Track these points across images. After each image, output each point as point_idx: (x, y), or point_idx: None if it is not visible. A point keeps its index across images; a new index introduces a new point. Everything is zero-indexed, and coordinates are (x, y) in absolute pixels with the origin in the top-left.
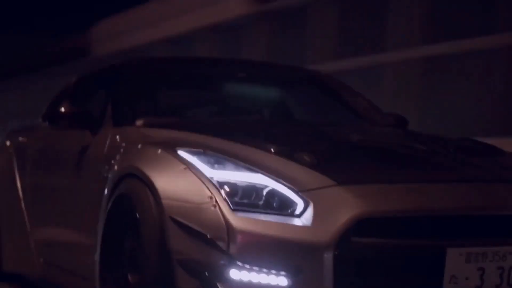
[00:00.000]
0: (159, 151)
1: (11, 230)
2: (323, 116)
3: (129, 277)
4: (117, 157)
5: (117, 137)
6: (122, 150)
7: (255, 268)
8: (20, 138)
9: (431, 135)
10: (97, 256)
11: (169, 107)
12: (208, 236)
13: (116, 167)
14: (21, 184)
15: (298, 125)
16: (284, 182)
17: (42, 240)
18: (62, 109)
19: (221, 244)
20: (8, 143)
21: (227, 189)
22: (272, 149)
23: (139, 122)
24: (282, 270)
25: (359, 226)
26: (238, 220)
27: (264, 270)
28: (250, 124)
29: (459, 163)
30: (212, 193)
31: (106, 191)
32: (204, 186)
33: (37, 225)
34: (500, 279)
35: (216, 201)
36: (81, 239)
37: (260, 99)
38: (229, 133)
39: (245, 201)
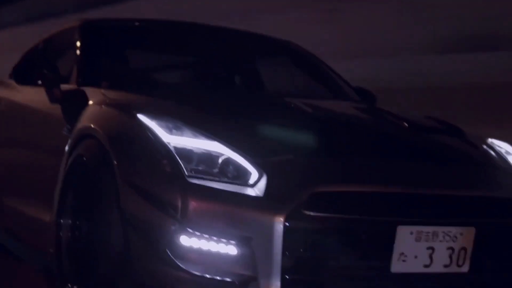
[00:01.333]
0: (119, 113)
1: None
2: (294, 87)
3: (84, 235)
4: (79, 117)
5: (81, 97)
6: (84, 110)
7: (205, 235)
8: None
9: (394, 112)
10: (54, 214)
11: (137, 71)
12: (160, 200)
13: (76, 127)
14: None
15: (262, 95)
16: (240, 151)
17: (5, 193)
18: (30, 68)
19: (173, 209)
20: None
21: (183, 155)
22: (230, 118)
23: (103, 84)
24: (232, 239)
25: (312, 199)
26: (191, 187)
27: (215, 238)
28: (214, 92)
29: (416, 141)
30: (168, 158)
31: (66, 150)
32: (160, 150)
33: (1, 179)
34: (450, 259)
35: (171, 166)
36: (41, 195)
37: (231, 66)
38: (191, 99)
39: (200, 168)
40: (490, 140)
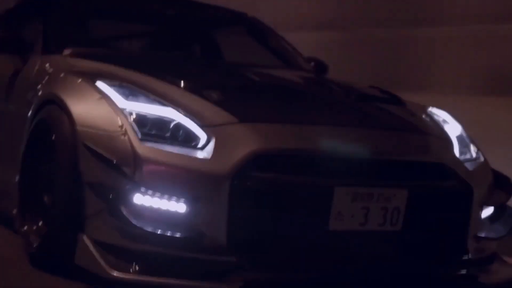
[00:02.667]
0: (79, 80)
1: None
2: (248, 57)
3: (45, 198)
4: (42, 84)
5: (45, 64)
6: (47, 77)
7: (157, 194)
8: None
9: (341, 81)
10: (17, 177)
11: (99, 39)
12: (116, 162)
13: (39, 93)
14: None
15: (216, 64)
16: (190, 117)
17: None
18: None
19: (128, 170)
20: None
21: (137, 120)
22: (183, 85)
23: (66, 52)
24: (182, 197)
25: (256, 161)
26: (144, 149)
27: (166, 196)
28: (171, 60)
29: (356, 108)
30: (123, 123)
31: (29, 115)
32: (116, 116)
33: None
34: (384, 218)
35: (126, 130)
36: (7, 159)
37: (189, 36)
38: (148, 68)
39: (153, 132)
40: (429, 109)
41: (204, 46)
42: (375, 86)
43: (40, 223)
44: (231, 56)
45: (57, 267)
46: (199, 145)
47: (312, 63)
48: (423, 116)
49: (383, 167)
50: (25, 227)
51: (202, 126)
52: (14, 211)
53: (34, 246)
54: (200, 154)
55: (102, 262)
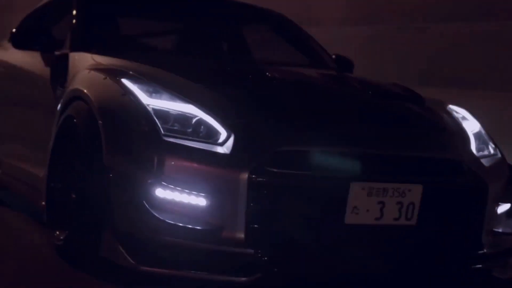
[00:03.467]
0: (105, 77)
1: None
2: (274, 54)
3: (72, 192)
4: (70, 80)
5: (73, 61)
6: (74, 74)
7: (178, 188)
8: None
9: (364, 79)
10: (45, 169)
11: (126, 37)
12: (139, 156)
13: (67, 90)
14: None
15: (240, 62)
16: (212, 113)
17: (2, 150)
18: (26, 32)
19: (150, 164)
20: None
21: (160, 116)
22: (205, 82)
23: (94, 49)
24: (202, 191)
25: (274, 157)
26: (166, 144)
27: (186, 190)
28: (196, 58)
29: (376, 106)
30: (147, 119)
31: (58, 111)
32: (140, 112)
33: None
34: (399, 213)
35: (149, 126)
36: (35, 153)
37: (216, 33)
38: (172, 65)
39: (175, 127)
40: (449, 106)
41: (231, 43)
42: (397, 84)
43: (67, 216)
44: (257, 53)
45: (82, 259)
46: (220, 141)
47: (337, 60)
48: (442, 113)
49: (398, 163)
50: (53, 220)
51: (223, 122)
52: (43, 203)
53: (61, 238)
54: (220, 150)
55: (126, 254)
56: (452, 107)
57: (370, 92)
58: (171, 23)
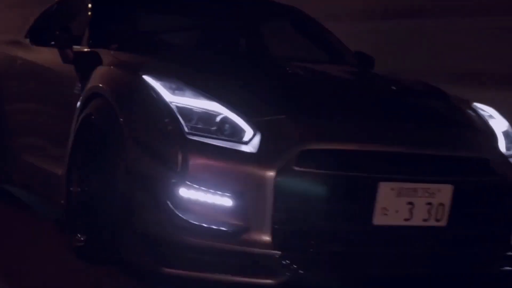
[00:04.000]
0: (126, 74)
1: None
2: (294, 51)
3: (92, 188)
4: (89, 77)
5: (91, 57)
6: (94, 71)
7: (203, 188)
8: (6, 52)
9: (387, 75)
10: (65, 168)
11: (145, 32)
12: (162, 155)
13: (87, 87)
14: (2, 95)
15: (262, 58)
16: (237, 111)
17: (19, 149)
18: (44, 28)
19: (174, 163)
20: None
21: (184, 114)
22: (230, 80)
23: (113, 46)
24: (227, 192)
25: (301, 156)
26: (191, 143)
27: (211, 190)
28: (217, 54)
29: (402, 103)
30: (170, 117)
31: (77, 108)
32: (163, 109)
33: (15, 135)
34: (428, 214)
35: (173, 124)
36: (53, 150)
37: (236, 29)
38: (194, 61)
39: (199, 126)
40: (474, 104)
41: (250, 39)
42: (421, 81)
43: (87, 216)
44: (277, 50)
45: (104, 261)
46: (245, 139)
47: (358, 57)
48: (469, 111)
49: (428, 162)
50: (72, 221)
51: (248, 120)
52: (62, 202)
53: (82, 239)
54: (246, 148)
55: (149, 256)
56: (477, 105)
57: (396, 89)
58: (190, 19)
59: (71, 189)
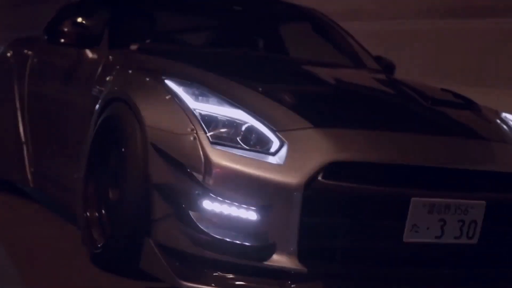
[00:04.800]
0: (148, 78)
1: (5, 138)
2: (315, 54)
3: (110, 193)
4: (109, 79)
5: (111, 59)
6: (114, 73)
7: (227, 200)
8: (21, 50)
9: (413, 83)
10: (82, 171)
11: (166, 33)
12: (185, 165)
13: (107, 89)
14: (19, 94)
15: (285, 63)
16: (263, 120)
17: (34, 150)
18: (61, 26)
19: (197, 174)
20: (9, 53)
21: (208, 122)
22: (255, 87)
23: (133, 47)
24: (252, 205)
25: (330, 168)
26: (215, 153)
27: (236, 203)
28: (240, 58)
29: (433, 115)
30: (193, 124)
31: (96, 111)
32: (186, 116)
33: (31, 136)
34: (460, 231)
35: (196, 132)
36: (69, 153)
37: (255, 31)
38: (218, 66)
39: (224, 135)
40: (504, 114)
41: (270, 42)
42: (447, 90)
43: (105, 222)
44: (296, 53)
45: (121, 270)
46: (272, 150)
47: (380, 62)
48: (499, 122)
49: (461, 178)
50: (89, 225)
51: (275, 131)
52: (79, 207)
53: (99, 245)
54: (273, 160)
55: (169, 269)
56: (506, 115)
57: (424, 99)
58: (209, 20)
59: (88, 194)
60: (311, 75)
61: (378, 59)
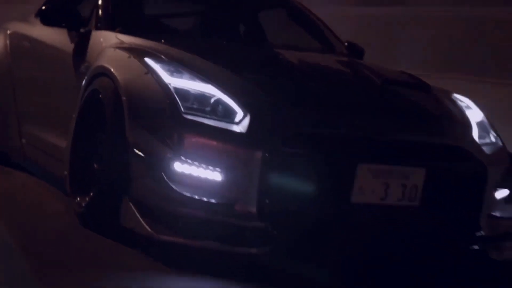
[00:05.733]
0: (129, 55)
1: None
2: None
3: (94, 163)
4: (95, 57)
5: (98, 39)
6: (99, 52)
7: (196, 163)
8: (18, 30)
9: (373, 66)
10: (69, 141)
11: (149, 17)
12: (159, 131)
13: (92, 66)
14: (13, 71)
15: (256, 45)
16: (229, 94)
17: (26, 122)
18: (52, 8)
19: (170, 140)
20: (6, 33)
21: (181, 95)
22: (226, 66)
23: (118, 28)
24: (218, 167)
25: (287, 137)
26: (186, 122)
27: (203, 165)
28: (215, 40)
29: (384, 92)
30: (168, 97)
31: (82, 86)
32: (162, 90)
33: (24, 109)
34: (402, 194)
35: (170, 103)
36: (59, 125)
37: (235, 17)
38: (192, 47)
39: (195, 106)
40: (454, 95)
41: (248, 27)
42: (405, 72)
43: (89, 186)
44: (274, 38)
45: (103, 227)
46: (236, 120)
47: (348, 47)
48: (447, 101)
49: (403, 147)
50: (75, 189)
51: (240, 103)
52: (65, 173)
53: (82, 205)
54: (237, 128)
55: (144, 224)
56: (456, 96)
57: (378, 79)
58: (192, 5)
59: (74, 160)
60: (279, 57)
61: (349, 44)
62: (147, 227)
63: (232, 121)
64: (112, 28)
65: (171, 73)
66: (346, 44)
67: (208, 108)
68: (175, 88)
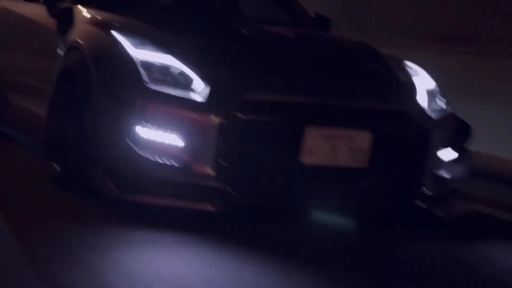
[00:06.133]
0: (99, 30)
1: None
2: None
3: (68, 131)
4: (69, 31)
5: (74, 14)
6: (75, 26)
7: (159, 129)
8: (2, 5)
9: (332, 37)
10: (47, 109)
11: None
12: (125, 100)
13: (66, 40)
14: (0, 44)
15: (223, 19)
16: (191, 65)
17: (12, 92)
18: None
19: (135, 108)
20: None
21: (145, 66)
22: (189, 39)
23: (93, 3)
24: (179, 133)
25: (242, 105)
26: (150, 91)
27: (165, 132)
28: (185, 15)
29: (337, 61)
30: (132, 67)
31: (58, 59)
32: (128, 61)
33: (10, 81)
34: (350, 156)
35: (135, 74)
36: (38, 96)
37: None
38: (162, 21)
39: (158, 77)
40: (405, 62)
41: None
42: (362, 42)
43: (64, 152)
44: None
45: (76, 188)
46: (197, 90)
47: (316, 19)
48: (396, 68)
49: (350, 112)
50: (51, 155)
51: (200, 73)
52: (43, 139)
53: (58, 170)
54: (196, 97)
55: (112, 185)
56: (407, 63)
57: (333, 49)
58: None
59: (51, 128)
60: (242, 30)
61: (316, 16)
62: (114, 188)
63: (192, 91)
64: (87, 3)
65: (136, 46)
66: (313, 16)
67: (170, 79)
68: (141, 60)
